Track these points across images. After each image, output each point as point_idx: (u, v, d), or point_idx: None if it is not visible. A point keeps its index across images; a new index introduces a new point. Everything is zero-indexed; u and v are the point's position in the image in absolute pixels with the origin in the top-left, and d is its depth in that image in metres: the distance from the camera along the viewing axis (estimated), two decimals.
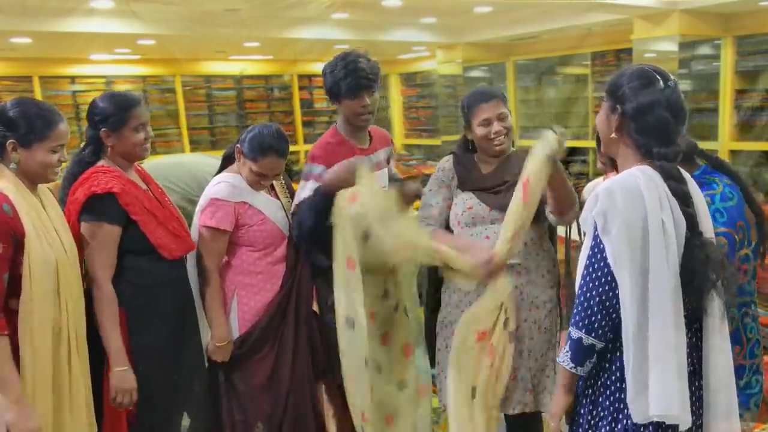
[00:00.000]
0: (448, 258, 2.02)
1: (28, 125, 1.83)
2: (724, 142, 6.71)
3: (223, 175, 2.32)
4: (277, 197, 2.40)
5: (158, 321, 2.11)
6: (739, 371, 1.76)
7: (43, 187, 1.95)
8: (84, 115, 2.20)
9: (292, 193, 2.44)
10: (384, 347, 2.22)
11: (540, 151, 1.89)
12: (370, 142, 2.42)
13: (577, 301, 1.56)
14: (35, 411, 1.77)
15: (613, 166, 1.76)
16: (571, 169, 7.51)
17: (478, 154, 2.29)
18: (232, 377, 2.29)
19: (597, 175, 6.60)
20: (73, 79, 8.48)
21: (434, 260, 2.05)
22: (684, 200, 1.52)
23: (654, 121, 1.54)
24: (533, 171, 1.90)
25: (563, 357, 1.60)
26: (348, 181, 2.08)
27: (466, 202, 2.22)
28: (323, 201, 2.11)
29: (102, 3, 5.42)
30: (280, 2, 5.63)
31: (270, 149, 2.22)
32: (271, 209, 2.31)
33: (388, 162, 2.52)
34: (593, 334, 1.53)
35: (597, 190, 1.55)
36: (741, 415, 1.79)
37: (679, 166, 1.57)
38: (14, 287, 1.76)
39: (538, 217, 2.09)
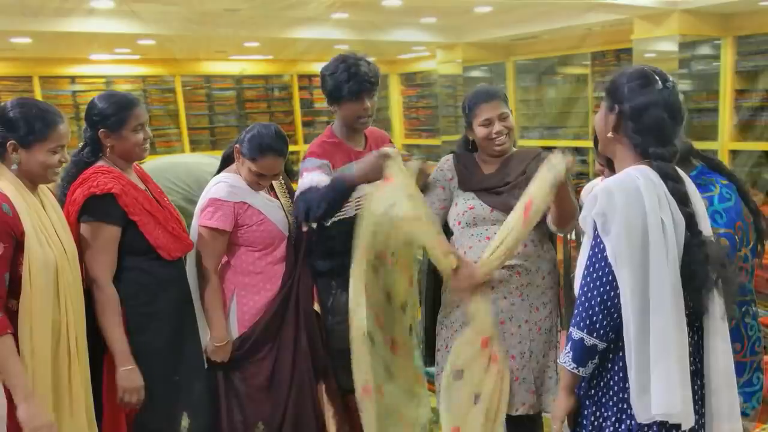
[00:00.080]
0: (437, 255, 2.02)
1: (29, 126, 1.82)
2: (723, 142, 6.72)
3: (223, 175, 2.31)
4: (277, 197, 2.39)
5: (157, 321, 2.10)
6: (739, 369, 1.75)
7: (43, 188, 1.95)
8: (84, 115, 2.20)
9: (291, 193, 2.43)
10: (385, 347, 2.22)
11: (546, 175, 1.88)
12: (366, 144, 2.42)
13: (578, 301, 1.56)
14: (45, 406, 1.77)
15: (609, 168, 1.75)
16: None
17: (479, 153, 2.28)
18: (231, 377, 2.29)
19: (597, 175, 6.59)
20: (73, 79, 8.50)
21: (431, 246, 2.04)
22: (682, 200, 1.52)
23: (651, 121, 1.54)
24: (537, 195, 1.90)
25: (565, 358, 1.59)
26: (376, 174, 2.06)
27: (467, 202, 2.22)
28: (342, 192, 2.11)
29: (102, 3, 5.42)
30: (280, 2, 5.63)
31: (269, 149, 2.21)
32: (271, 209, 2.31)
33: None
34: (595, 335, 1.53)
35: (595, 190, 1.55)
36: (746, 413, 1.79)
37: (676, 167, 1.57)
38: (14, 287, 1.75)
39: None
